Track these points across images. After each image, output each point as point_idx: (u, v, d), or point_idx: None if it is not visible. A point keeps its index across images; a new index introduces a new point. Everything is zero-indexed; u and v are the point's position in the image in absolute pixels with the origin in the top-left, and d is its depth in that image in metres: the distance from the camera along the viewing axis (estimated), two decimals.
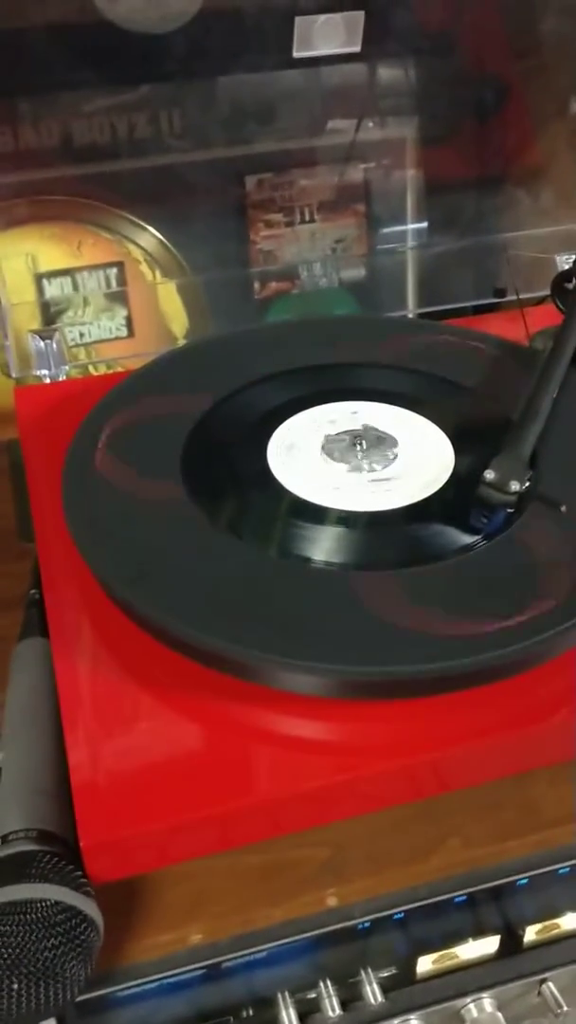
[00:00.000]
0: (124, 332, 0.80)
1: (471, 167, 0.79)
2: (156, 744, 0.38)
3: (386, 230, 0.84)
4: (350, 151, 0.81)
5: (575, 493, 0.45)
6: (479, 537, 0.44)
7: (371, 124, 0.81)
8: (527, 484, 0.44)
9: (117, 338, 0.80)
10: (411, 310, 0.81)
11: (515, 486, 0.44)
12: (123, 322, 0.80)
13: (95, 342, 0.79)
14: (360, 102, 0.79)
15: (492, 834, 0.43)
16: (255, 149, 0.79)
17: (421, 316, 0.79)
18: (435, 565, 0.43)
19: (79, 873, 0.36)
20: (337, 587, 0.42)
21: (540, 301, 0.65)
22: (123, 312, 0.79)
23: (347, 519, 0.45)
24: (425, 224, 0.82)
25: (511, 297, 0.66)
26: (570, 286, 0.57)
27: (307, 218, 0.84)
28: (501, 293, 0.68)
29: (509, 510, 0.44)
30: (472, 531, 0.44)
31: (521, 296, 0.64)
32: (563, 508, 0.43)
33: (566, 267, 0.68)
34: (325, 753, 0.39)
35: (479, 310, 0.71)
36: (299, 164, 0.80)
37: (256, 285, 0.84)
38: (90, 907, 0.35)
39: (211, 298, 0.81)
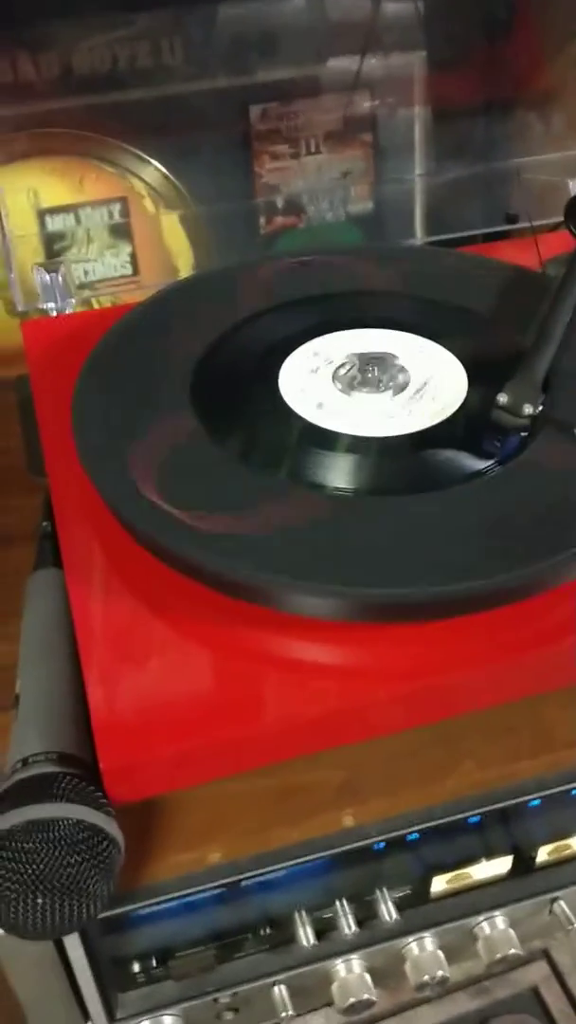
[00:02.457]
0: (129, 270, 0.79)
1: (480, 93, 0.77)
2: (171, 669, 0.39)
3: (394, 160, 0.82)
4: (356, 80, 0.79)
5: None
6: (493, 461, 0.44)
7: (378, 51, 0.78)
8: (540, 407, 0.44)
9: (123, 277, 0.79)
10: (420, 240, 0.80)
11: (528, 409, 0.43)
12: (128, 259, 0.79)
13: (100, 281, 0.78)
14: (365, 28, 0.77)
15: (505, 756, 0.44)
16: (259, 78, 0.77)
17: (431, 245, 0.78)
18: (448, 490, 0.43)
19: (99, 794, 0.36)
20: (348, 511, 0.42)
21: (554, 228, 0.64)
22: (127, 249, 0.78)
23: (358, 444, 0.44)
24: (434, 153, 0.80)
25: (524, 224, 0.65)
26: None
27: (313, 149, 0.82)
28: (513, 219, 0.66)
29: (523, 433, 0.44)
30: (485, 455, 0.44)
31: (534, 223, 0.62)
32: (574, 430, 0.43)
33: None
34: (336, 677, 0.39)
35: (490, 238, 0.70)
36: (304, 94, 0.78)
37: (262, 220, 0.82)
38: (111, 826, 0.36)
39: (216, 233, 0.80)
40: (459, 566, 0.39)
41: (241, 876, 0.41)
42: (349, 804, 0.42)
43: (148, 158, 0.77)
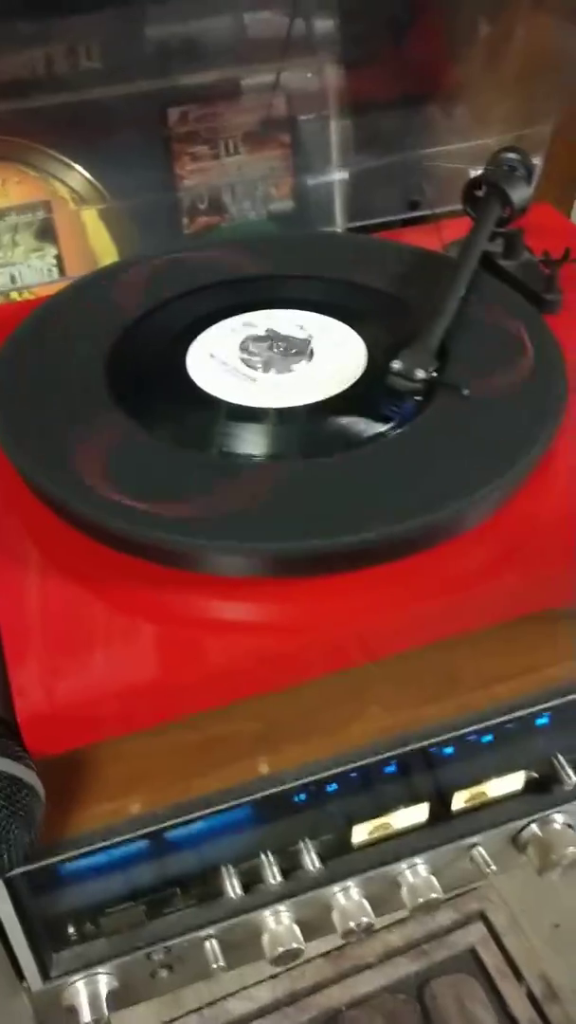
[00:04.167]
0: (55, 275, 0.80)
1: (391, 90, 0.81)
2: (85, 625, 0.40)
3: (311, 157, 0.84)
4: (276, 82, 0.82)
5: (481, 383, 0.48)
6: (393, 423, 0.46)
7: (294, 54, 0.81)
8: (433, 373, 0.47)
9: (51, 283, 0.80)
10: (340, 228, 0.82)
11: (421, 373, 0.46)
12: (54, 262, 0.80)
13: (27, 287, 0.80)
14: (283, 32, 0.80)
15: (414, 701, 0.46)
16: (177, 82, 0.79)
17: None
18: (351, 452, 0.45)
19: (18, 747, 0.38)
20: (255, 477, 0.44)
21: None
22: (53, 251, 0.80)
23: (262, 414, 0.47)
24: (350, 147, 0.83)
25: (428, 211, 0.68)
26: (479, 193, 0.59)
27: (232, 151, 0.84)
28: (415, 206, 0.69)
29: (418, 397, 0.46)
30: (385, 418, 0.46)
31: (437, 209, 0.66)
32: (465, 392, 0.45)
33: None
34: (246, 630, 0.42)
35: (408, 224, 0.73)
36: (222, 96, 0.81)
37: (185, 220, 0.84)
38: (30, 776, 0.37)
39: (141, 234, 0.82)
40: (359, 520, 0.42)
41: (162, 825, 0.43)
42: (265, 753, 0.44)
43: (70, 162, 0.79)
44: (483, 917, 0.73)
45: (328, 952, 0.66)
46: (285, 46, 0.80)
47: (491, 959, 0.72)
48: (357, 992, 0.67)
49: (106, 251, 0.81)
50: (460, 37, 0.79)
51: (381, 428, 0.46)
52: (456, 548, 0.44)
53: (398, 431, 0.46)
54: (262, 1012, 0.68)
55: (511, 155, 0.60)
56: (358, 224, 0.76)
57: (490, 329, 0.52)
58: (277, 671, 0.42)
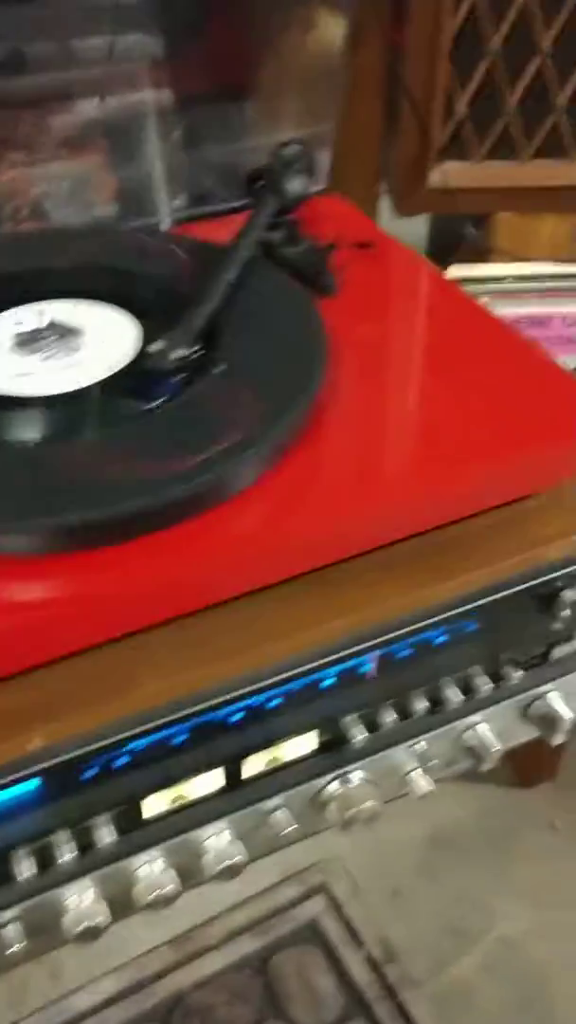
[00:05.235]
0: None
1: (200, 86, 0.83)
2: None
3: (131, 158, 0.86)
4: (102, 89, 0.83)
5: (245, 362, 0.50)
6: (156, 403, 0.48)
7: (110, 58, 0.83)
8: (194, 354, 0.49)
9: None
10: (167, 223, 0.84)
11: (178, 354, 0.48)
12: None
13: None
14: (94, 31, 0.81)
15: (188, 665, 0.47)
16: None
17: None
18: (114, 429, 0.47)
19: None
20: (24, 459, 0.46)
21: None
22: None
23: (32, 402, 0.48)
24: (168, 141, 0.84)
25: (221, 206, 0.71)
26: (257, 185, 0.61)
27: (50, 156, 0.85)
28: (201, 200, 0.72)
29: (179, 376, 0.48)
30: (148, 398, 0.48)
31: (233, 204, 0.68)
32: (219, 370, 0.48)
33: None
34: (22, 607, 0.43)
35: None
36: (38, 101, 0.82)
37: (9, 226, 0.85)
38: None
39: None
40: (122, 493, 0.43)
41: None
42: (45, 724, 0.45)
43: None
44: (325, 889, 0.76)
45: (173, 939, 0.66)
46: (109, 50, 0.82)
47: (333, 929, 0.74)
48: (202, 974, 0.68)
49: None
50: (259, 33, 0.82)
51: (145, 406, 0.48)
52: (222, 514, 0.46)
53: (160, 409, 0.48)
54: (108, 1003, 0.68)
55: (291, 148, 0.63)
56: (183, 218, 0.78)
57: (260, 312, 0.54)
58: (49, 641, 0.43)
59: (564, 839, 0.89)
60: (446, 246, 1.04)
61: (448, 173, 0.86)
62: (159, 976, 0.70)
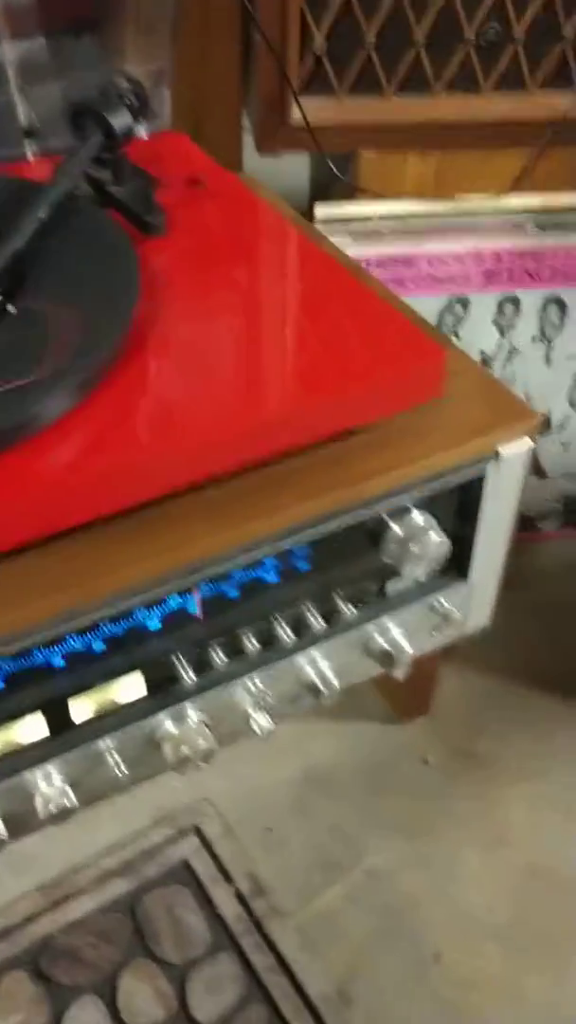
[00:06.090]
0: None
1: (30, 20, 0.80)
2: None
3: None
4: None
5: (57, 300, 0.49)
6: None
7: None
8: None
9: None
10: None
11: None
12: None
13: None
14: None
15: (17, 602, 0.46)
16: None
17: None
18: None
19: None
20: None
21: None
22: None
23: None
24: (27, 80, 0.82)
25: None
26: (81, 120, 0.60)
27: None
28: (29, 134, 0.70)
29: None
30: None
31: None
32: (10, 308, 0.47)
33: None
34: None
35: None
36: None
37: None
38: None
39: None
40: None
41: None
42: None
43: None
44: (197, 830, 0.77)
45: (43, 885, 0.67)
46: None
47: (203, 867, 0.75)
48: (72, 917, 0.69)
49: None
50: None
51: None
52: (27, 451, 0.45)
53: None
54: None
55: (116, 81, 0.61)
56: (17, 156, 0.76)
57: (72, 250, 0.53)
58: None
59: (436, 773, 0.92)
60: (325, 187, 1.03)
61: (309, 110, 0.85)
62: (28, 920, 0.71)
